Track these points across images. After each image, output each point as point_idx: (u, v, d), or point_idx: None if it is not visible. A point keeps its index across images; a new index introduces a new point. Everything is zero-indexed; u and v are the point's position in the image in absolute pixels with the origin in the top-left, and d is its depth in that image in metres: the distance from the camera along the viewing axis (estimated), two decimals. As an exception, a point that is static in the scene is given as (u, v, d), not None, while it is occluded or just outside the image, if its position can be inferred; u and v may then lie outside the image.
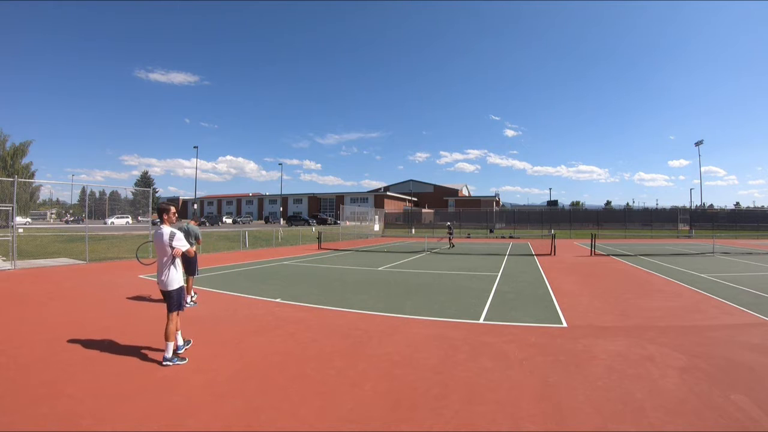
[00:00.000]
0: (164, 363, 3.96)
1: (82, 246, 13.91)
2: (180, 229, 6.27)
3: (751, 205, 73.88)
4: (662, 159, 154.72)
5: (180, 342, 4.27)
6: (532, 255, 17.05)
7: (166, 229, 4.13)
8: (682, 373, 3.81)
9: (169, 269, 4.12)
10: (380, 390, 3.43)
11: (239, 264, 13.04)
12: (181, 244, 4.13)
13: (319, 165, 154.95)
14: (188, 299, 6.75)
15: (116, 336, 4.99)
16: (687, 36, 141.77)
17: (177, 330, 4.18)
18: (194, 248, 5.54)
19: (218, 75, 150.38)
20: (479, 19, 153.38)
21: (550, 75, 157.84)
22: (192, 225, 7.17)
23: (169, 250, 4.08)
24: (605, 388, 3.48)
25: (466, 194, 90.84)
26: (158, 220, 4.27)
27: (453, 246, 21.08)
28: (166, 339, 4.02)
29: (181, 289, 4.21)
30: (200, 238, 7.25)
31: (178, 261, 4.22)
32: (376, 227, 39.26)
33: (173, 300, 4.14)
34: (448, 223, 23.81)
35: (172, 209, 4.33)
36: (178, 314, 4.17)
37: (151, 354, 4.32)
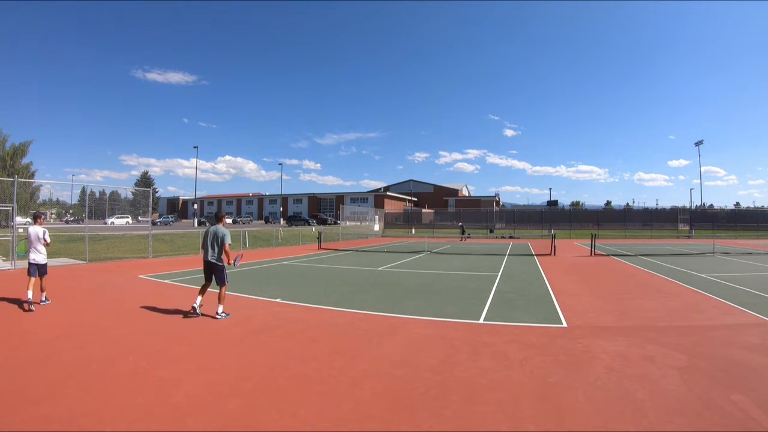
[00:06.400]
0: (36, 304, 6.43)
1: (82, 246, 13.91)
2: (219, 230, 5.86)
3: (751, 205, 74.04)
4: (662, 159, 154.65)
5: (37, 297, 6.53)
6: (532, 255, 17.05)
7: (40, 228, 6.72)
8: (682, 373, 3.81)
9: (40, 253, 6.63)
10: (380, 390, 3.43)
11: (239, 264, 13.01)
12: (48, 237, 6.77)
13: (318, 165, 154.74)
14: (219, 310, 5.87)
15: (116, 336, 4.99)
16: (687, 36, 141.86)
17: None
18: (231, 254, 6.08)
19: (216, 75, 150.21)
20: (478, 19, 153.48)
21: (550, 74, 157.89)
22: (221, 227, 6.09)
23: (43, 241, 6.68)
24: (605, 388, 3.48)
25: (466, 194, 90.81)
26: (32, 220, 7.05)
27: (463, 241, 26.98)
28: (43, 290, 6.68)
29: (46, 263, 6.74)
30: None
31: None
32: (376, 227, 39.24)
33: (45, 267, 6.72)
34: (461, 223, 31.28)
35: (43, 216, 7.00)
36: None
37: (150, 354, 4.32)
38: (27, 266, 6.60)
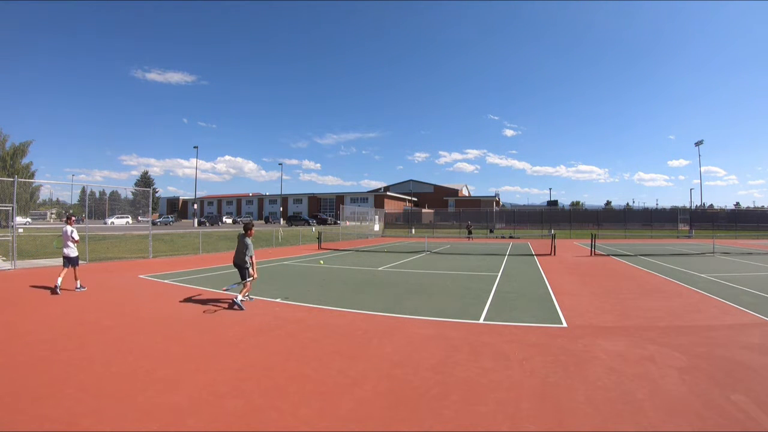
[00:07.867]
0: (72, 291, 7.72)
1: (83, 246, 13.87)
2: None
3: (751, 205, 74.10)
4: (662, 159, 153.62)
5: (72, 285, 7.92)
6: (532, 255, 17.06)
7: (69, 228, 8.04)
8: (682, 373, 3.82)
9: (72, 248, 8.01)
10: (380, 390, 3.43)
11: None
12: (77, 236, 8.10)
13: (318, 165, 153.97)
14: (238, 298, 6.64)
15: (116, 336, 4.99)
16: (687, 35, 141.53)
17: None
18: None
19: (216, 74, 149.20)
20: (477, 18, 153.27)
21: (549, 74, 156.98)
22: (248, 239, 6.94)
23: (71, 238, 7.96)
24: (605, 388, 3.48)
25: (466, 194, 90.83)
26: (65, 221, 8.32)
27: (470, 240, 28.04)
28: (76, 278, 8.02)
29: (77, 256, 8.13)
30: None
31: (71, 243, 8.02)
32: (376, 227, 39.25)
33: (77, 259, 8.09)
34: (468, 222, 33.18)
35: (74, 217, 8.38)
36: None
37: (150, 354, 4.32)
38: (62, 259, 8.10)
